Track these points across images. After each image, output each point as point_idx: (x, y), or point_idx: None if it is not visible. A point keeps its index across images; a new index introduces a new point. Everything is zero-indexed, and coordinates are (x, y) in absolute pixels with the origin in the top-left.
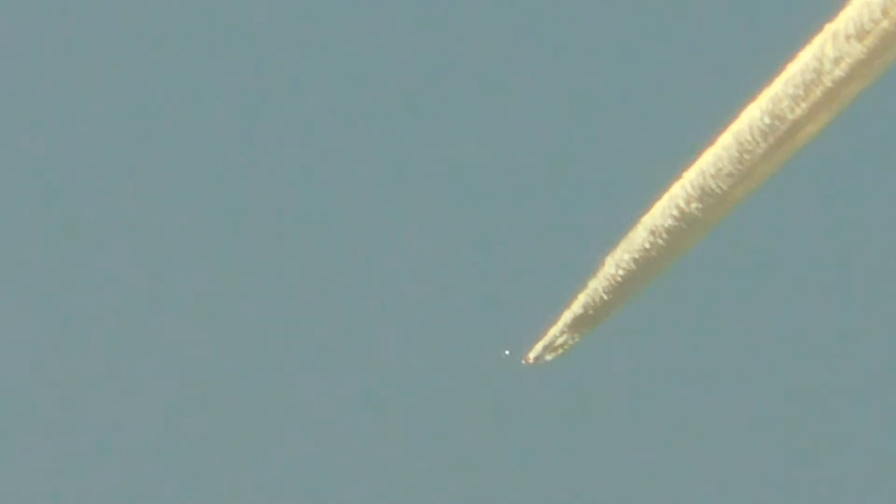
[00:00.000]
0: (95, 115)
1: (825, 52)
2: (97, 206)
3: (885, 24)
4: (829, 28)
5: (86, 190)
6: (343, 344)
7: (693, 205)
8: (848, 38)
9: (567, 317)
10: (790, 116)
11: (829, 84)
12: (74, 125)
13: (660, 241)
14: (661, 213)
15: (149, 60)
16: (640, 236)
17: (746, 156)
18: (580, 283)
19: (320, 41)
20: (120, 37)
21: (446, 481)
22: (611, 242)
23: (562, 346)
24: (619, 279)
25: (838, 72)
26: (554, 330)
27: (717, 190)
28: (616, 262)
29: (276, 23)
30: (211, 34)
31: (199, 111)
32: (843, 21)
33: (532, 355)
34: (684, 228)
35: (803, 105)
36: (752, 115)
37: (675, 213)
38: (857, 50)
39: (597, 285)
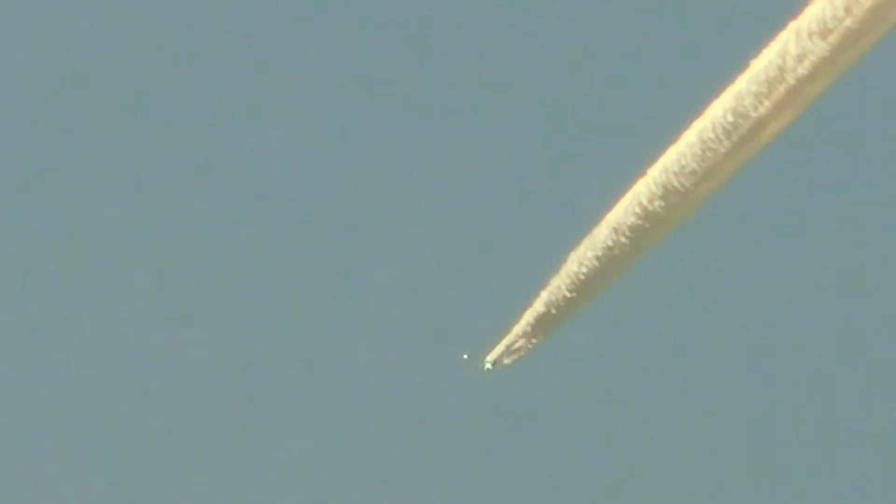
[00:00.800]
0: (94, 115)
1: (788, 49)
2: (96, 206)
3: (848, 22)
4: (793, 26)
5: (84, 190)
6: (306, 346)
7: (656, 202)
8: (811, 35)
9: (528, 318)
10: (753, 114)
11: (792, 81)
12: (74, 124)
13: (623, 239)
14: (624, 210)
15: (141, 67)
16: (603, 234)
17: (710, 153)
18: (541, 285)
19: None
20: (118, 37)
21: (411, 478)
22: (572, 244)
23: (521, 349)
24: (582, 277)
25: (801, 69)
26: (513, 334)
27: (681, 188)
28: (579, 261)
29: (247, 32)
30: (202, 38)
31: (185, 116)
32: (807, 19)
33: (490, 359)
34: (647, 226)
35: (767, 103)
36: (716, 113)
37: (638, 210)
38: (820, 48)
39: (559, 283)
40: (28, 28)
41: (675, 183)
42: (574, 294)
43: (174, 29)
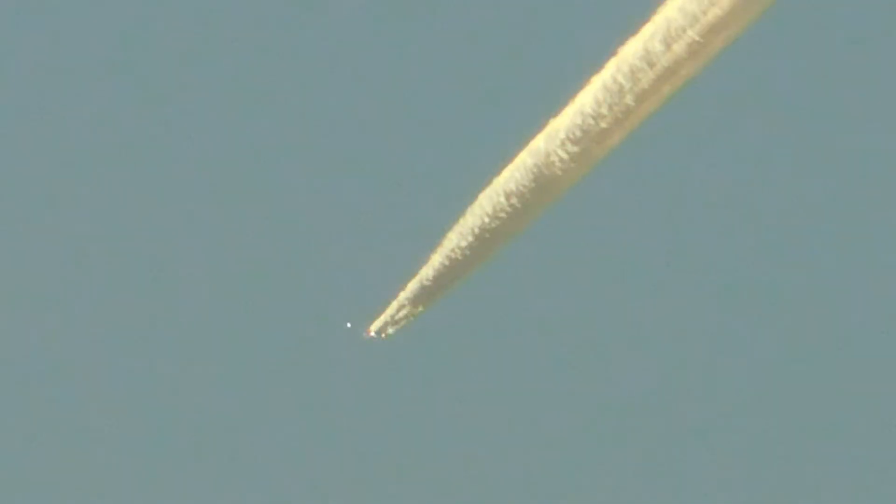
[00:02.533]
0: (94, 115)
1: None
2: (94, 207)
3: None
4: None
5: (81, 189)
6: (194, 320)
7: (552, 161)
8: None
9: (411, 288)
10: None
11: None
12: (73, 125)
13: (509, 206)
14: (511, 175)
15: (136, 72)
16: (486, 202)
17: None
18: (422, 258)
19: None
20: (118, 37)
21: (298, 455)
22: (451, 224)
23: (404, 318)
24: (463, 247)
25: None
26: (395, 303)
27: (568, 150)
28: (460, 232)
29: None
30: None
31: (178, 118)
32: None
33: (374, 328)
34: (534, 190)
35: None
36: (580, 106)
37: (527, 174)
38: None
39: (443, 253)
40: (27, 28)
41: (564, 146)
42: (455, 264)
43: (170, 28)
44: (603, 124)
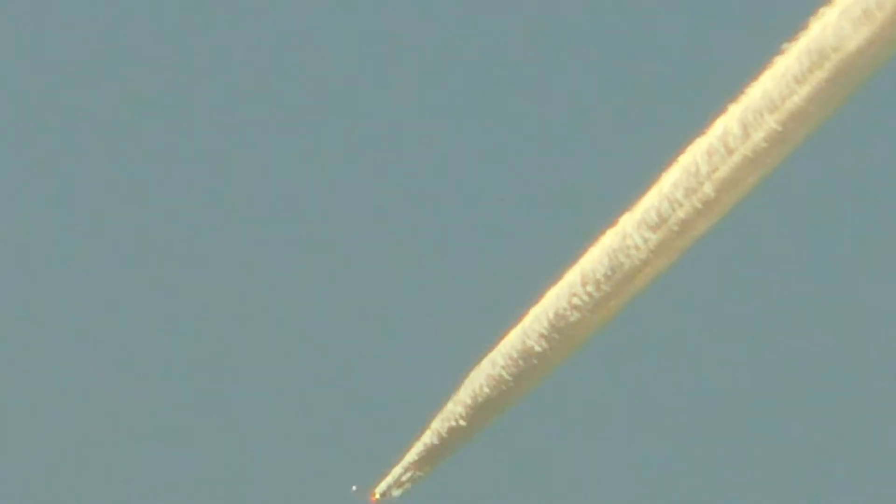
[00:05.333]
0: (92, 115)
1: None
2: (90, 207)
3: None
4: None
5: (78, 190)
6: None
7: (553, 334)
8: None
9: (416, 449)
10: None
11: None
12: (71, 125)
13: (521, 364)
14: (521, 337)
15: (132, 74)
16: (497, 362)
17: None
18: (428, 415)
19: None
20: (116, 38)
21: None
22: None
23: (409, 481)
24: (475, 407)
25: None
26: (399, 467)
27: (581, 312)
28: (473, 390)
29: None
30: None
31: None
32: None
33: (379, 491)
34: (547, 353)
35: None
36: (590, 263)
37: (537, 336)
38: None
39: (450, 414)
40: (25, 28)
41: (581, 298)
42: (465, 424)
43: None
44: (681, 213)
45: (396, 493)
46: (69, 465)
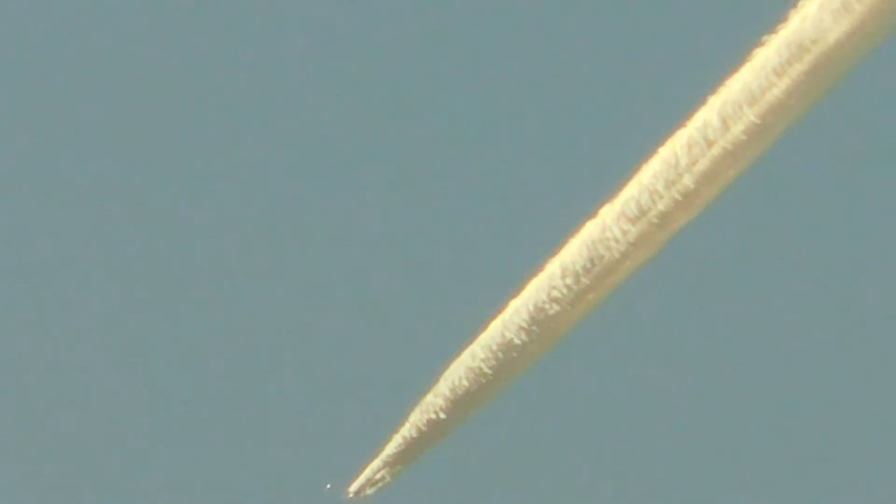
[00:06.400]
0: (92, 114)
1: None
2: (88, 206)
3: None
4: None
5: (77, 189)
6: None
7: (533, 326)
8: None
9: (391, 447)
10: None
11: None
12: (70, 124)
13: (500, 357)
14: (501, 328)
15: (132, 74)
16: (477, 354)
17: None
18: (403, 415)
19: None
20: (116, 37)
21: None
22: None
23: (382, 479)
24: (453, 401)
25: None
26: (375, 464)
27: (561, 307)
28: (452, 384)
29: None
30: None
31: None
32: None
33: (353, 489)
34: (527, 344)
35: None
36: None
37: (519, 327)
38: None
39: (427, 408)
40: (23, 28)
41: (562, 289)
42: (445, 417)
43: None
44: (660, 206)
45: (370, 491)
46: (60, 464)
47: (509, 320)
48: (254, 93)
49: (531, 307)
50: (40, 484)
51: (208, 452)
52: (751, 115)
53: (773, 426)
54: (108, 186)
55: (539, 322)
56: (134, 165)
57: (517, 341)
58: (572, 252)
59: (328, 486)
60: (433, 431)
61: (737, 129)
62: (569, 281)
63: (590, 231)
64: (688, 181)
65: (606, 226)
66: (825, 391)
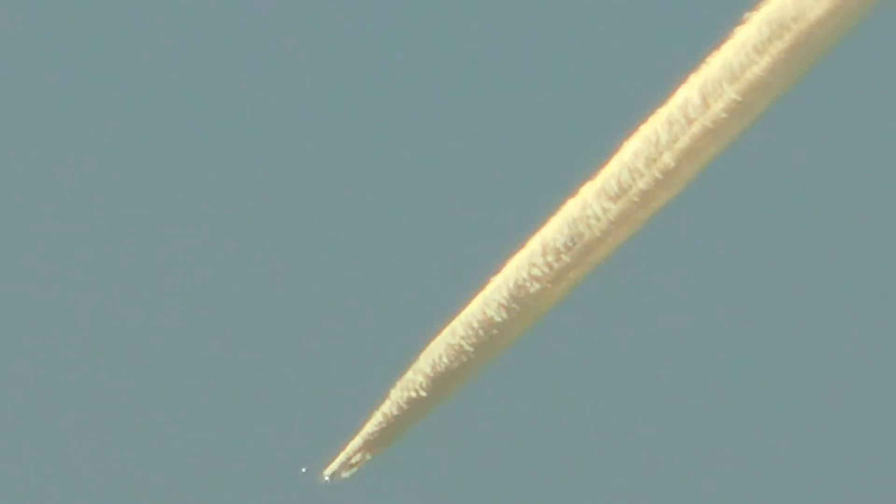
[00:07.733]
0: (91, 115)
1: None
2: (86, 206)
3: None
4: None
5: (76, 189)
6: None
7: (513, 304)
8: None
9: (367, 429)
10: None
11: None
12: (69, 124)
13: (481, 334)
14: (481, 306)
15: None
16: (457, 332)
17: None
18: (379, 396)
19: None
20: (115, 38)
21: None
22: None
23: (361, 461)
24: (432, 379)
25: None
26: (354, 442)
27: (541, 283)
28: (431, 361)
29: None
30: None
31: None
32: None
33: (328, 472)
34: (507, 322)
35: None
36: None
37: (498, 306)
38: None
39: (404, 390)
40: (22, 28)
41: (542, 267)
42: (425, 395)
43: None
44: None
45: (347, 474)
46: (52, 463)
47: (490, 297)
48: (221, 88)
49: (512, 285)
50: (40, 484)
51: (177, 430)
52: (731, 93)
53: (764, 421)
54: (107, 186)
55: (519, 300)
56: (129, 164)
57: (498, 319)
58: (553, 230)
59: (303, 468)
60: (413, 409)
61: (717, 107)
62: (549, 259)
63: (570, 209)
64: (668, 159)
65: (587, 203)
66: (825, 391)
